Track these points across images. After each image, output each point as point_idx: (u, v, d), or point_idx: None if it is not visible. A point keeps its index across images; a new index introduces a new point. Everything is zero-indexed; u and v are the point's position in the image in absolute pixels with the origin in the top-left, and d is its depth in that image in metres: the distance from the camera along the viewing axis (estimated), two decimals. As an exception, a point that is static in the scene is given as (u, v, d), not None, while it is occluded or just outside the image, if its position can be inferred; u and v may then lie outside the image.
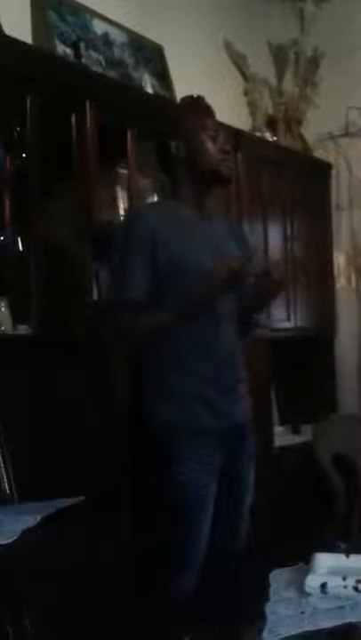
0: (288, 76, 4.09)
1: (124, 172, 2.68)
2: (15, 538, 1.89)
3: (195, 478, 1.98)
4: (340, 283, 4.08)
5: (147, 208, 2.39)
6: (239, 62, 3.87)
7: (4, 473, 2.23)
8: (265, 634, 1.46)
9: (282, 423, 3.76)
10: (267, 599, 1.62)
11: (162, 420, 2.02)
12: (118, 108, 2.53)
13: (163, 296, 1.97)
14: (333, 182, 4.07)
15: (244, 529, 2.16)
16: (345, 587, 1.60)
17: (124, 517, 2.25)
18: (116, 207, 2.74)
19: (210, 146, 2.05)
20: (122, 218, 2.65)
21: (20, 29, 2.51)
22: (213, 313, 2.01)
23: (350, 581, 1.60)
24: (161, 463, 2.02)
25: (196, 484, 1.98)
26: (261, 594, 1.65)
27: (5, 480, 2.23)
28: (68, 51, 2.71)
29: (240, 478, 2.12)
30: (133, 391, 2.22)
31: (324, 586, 1.60)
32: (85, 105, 2.38)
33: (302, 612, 1.53)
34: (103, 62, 2.90)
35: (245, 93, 3.92)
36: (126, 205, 2.70)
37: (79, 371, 2.32)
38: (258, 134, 3.78)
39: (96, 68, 2.80)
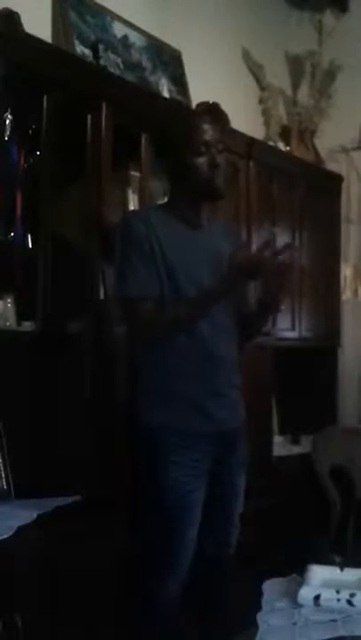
0: (303, 87, 4.09)
1: (137, 174, 2.68)
2: (10, 534, 1.89)
3: (182, 482, 1.97)
4: (346, 295, 4.08)
5: (145, 210, 2.40)
6: (256, 71, 3.88)
7: (1, 467, 2.23)
8: (256, 643, 1.45)
9: (281, 433, 3.75)
10: (259, 608, 1.61)
11: (152, 422, 2.02)
12: (134, 111, 2.53)
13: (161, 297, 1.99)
14: (344, 195, 4.08)
15: (234, 535, 2.15)
16: (338, 600, 1.59)
17: (120, 518, 2.25)
18: (126, 209, 2.74)
19: (199, 162, 2.02)
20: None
21: (40, 28, 2.52)
22: (208, 319, 2.01)
23: (344, 595, 1.60)
24: (150, 465, 2.02)
25: (183, 488, 1.97)
26: (254, 603, 1.65)
27: (3, 475, 2.23)
28: (87, 51, 2.72)
29: (229, 484, 2.11)
30: (129, 393, 2.23)
31: (317, 598, 1.60)
32: (101, 106, 2.38)
33: (294, 624, 1.53)
34: (121, 65, 2.91)
35: (260, 102, 3.93)
36: (137, 208, 2.70)
37: (81, 369, 2.32)
38: (271, 143, 3.79)
39: (114, 70, 2.81)
